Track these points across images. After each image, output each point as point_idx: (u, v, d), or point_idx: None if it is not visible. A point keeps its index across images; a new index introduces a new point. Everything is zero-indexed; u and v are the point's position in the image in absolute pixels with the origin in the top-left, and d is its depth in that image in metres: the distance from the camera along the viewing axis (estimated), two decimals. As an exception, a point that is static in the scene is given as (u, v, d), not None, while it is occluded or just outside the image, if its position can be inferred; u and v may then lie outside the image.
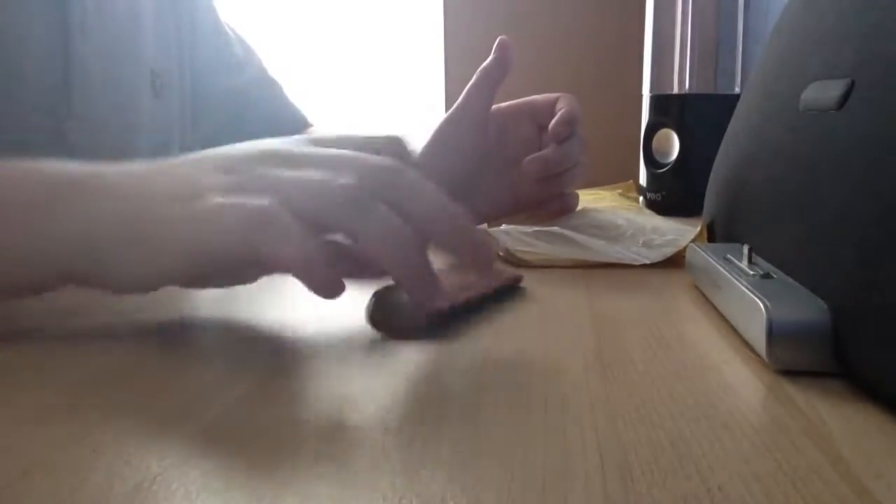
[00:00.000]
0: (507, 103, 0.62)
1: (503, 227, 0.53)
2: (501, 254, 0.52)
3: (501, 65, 0.58)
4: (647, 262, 0.49)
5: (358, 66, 1.38)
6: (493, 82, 0.59)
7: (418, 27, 1.38)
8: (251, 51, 0.82)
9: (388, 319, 0.35)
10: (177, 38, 0.71)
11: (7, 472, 0.22)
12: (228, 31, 0.80)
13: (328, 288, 0.31)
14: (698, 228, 0.51)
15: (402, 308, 0.35)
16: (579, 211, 0.61)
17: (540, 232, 0.52)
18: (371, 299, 0.36)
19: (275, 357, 0.33)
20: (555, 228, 0.52)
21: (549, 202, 0.60)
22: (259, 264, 0.33)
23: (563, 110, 0.57)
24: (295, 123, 0.82)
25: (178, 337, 0.37)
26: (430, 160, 0.62)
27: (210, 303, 0.42)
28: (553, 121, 0.57)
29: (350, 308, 0.40)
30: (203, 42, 0.75)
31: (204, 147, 0.85)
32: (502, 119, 0.62)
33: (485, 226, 0.62)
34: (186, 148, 0.75)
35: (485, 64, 0.59)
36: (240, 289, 0.41)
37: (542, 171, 0.58)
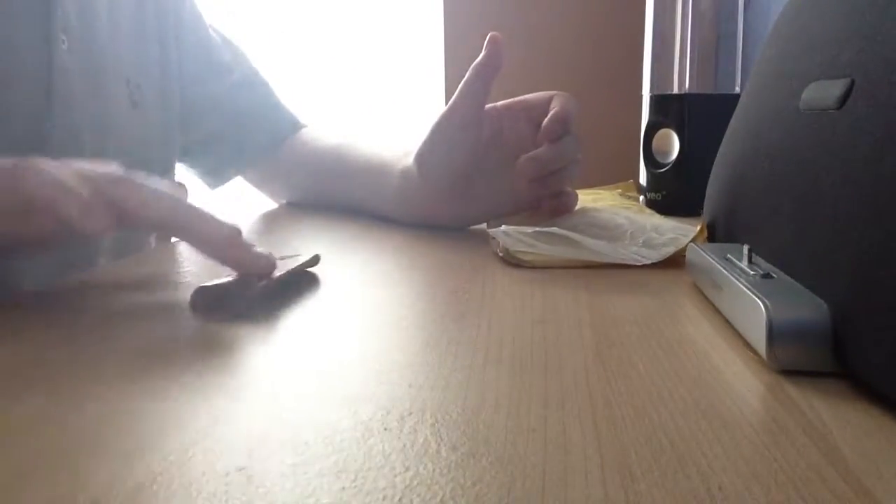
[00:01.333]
0: (503, 102, 0.62)
1: (503, 227, 0.53)
2: (500, 254, 0.52)
3: (492, 60, 0.58)
4: (648, 262, 0.49)
5: (358, 65, 1.38)
6: (485, 78, 0.58)
7: (418, 27, 1.38)
8: (239, 53, 0.82)
9: (209, 306, 0.40)
10: (160, 47, 0.71)
11: (7, 472, 0.22)
12: (214, 34, 0.79)
13: (88, 215, 0.37)
14: (698, 227, 0.51)
15: (224, 293, 0.40)
16: (578, 210, 0.60)
17: (539, 233, 0.52)
18: (195, 291, 0.40)
19: (274, 357, 0.33)
20: (554, 229, 0.52)
21: (546, 201, 0.59)
22: (30, 208, 0.38)
23: (555, 109, 0.57)
24: (286, 125, 0.82)
25: (178, 337, 0.37)
26: (426, 158, 0.62)
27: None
28: (546, 119, 0.57)
29: (349, 310, 0.40)
30: (188, 49, 0.75)
31: (195, 151, 0.85)
32: (498, 118, 0.61)
33: (484, 226, 0.62)
34: (172, 154, 0.75)
35: (476, 61, 0.58)
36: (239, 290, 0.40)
37: (535, 170, 0.58)
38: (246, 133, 0.78)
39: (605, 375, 0.30)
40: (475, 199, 0.63)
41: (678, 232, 0.53)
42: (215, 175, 0.81)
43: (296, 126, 0.82)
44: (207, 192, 0.81)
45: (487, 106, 0.60)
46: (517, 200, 0.61)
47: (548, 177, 0.58)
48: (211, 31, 0.79)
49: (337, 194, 0.75)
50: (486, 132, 0.61)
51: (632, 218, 0.57)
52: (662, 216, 0.62)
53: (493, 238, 0.53)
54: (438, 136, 0.61)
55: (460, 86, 0.59)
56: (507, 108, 0.62)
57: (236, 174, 0.82)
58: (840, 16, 0.35)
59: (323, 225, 0.69)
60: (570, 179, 0.60)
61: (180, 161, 0.78)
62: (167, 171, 0.74)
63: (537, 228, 0.53)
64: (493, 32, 0.58)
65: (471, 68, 0.59)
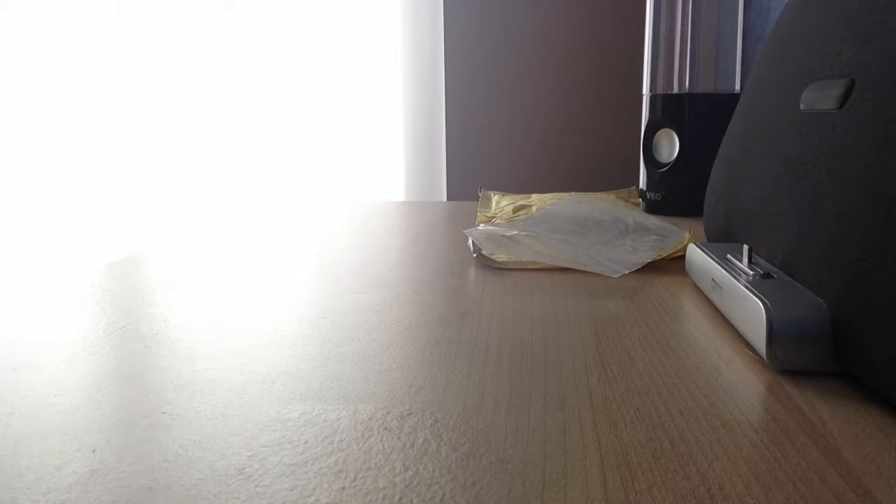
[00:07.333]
0: None
1: (479, 227, 0.53)
2: (475, 255, 0.52)
3: None
4: (619, 273, 0.48)
5: (358, 65, 1.38)
6: None
7: (418, 27, 1.38)
8: None
9: None
10: None
11: (7, 472, 0.22)
12: None
13: None
14: (685, 236, 0.52)
15: None
16: (563, 201, 0.60)
17: (515, 235, 0.52)
18: None
19: (275, 356, 0.33)
20: (529, 232, 0.53)
21: None
22: None
23: None
24: None
25: (179, 338, 0.37)
26: None
27: (204, 305, 0.42)
28: None
29: (349, 310, 0.40)
30: None
31: None
32: None
33: (480, 226, 0.62)
34: None
35: None
36: (240, 290, 0.41)
37: None
38: None
39: (605, 375, 0.30)
40: None
41: (662, 233, 0.53)
42: None
43: None
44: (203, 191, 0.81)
45: None
46: None
47: None
48: None
49: None
50: None
51: (617, 215, 0.57)
52: (647, 214, 0.61)
53: (471, 239, 0.53)
54: None
55: None
56: None
57: None
58: (840, 16, 0.35)
59: (321, 226, 0.69)
60: None
61: None
62: None
63: (514, 231, 0.53)
64: None
65: None
